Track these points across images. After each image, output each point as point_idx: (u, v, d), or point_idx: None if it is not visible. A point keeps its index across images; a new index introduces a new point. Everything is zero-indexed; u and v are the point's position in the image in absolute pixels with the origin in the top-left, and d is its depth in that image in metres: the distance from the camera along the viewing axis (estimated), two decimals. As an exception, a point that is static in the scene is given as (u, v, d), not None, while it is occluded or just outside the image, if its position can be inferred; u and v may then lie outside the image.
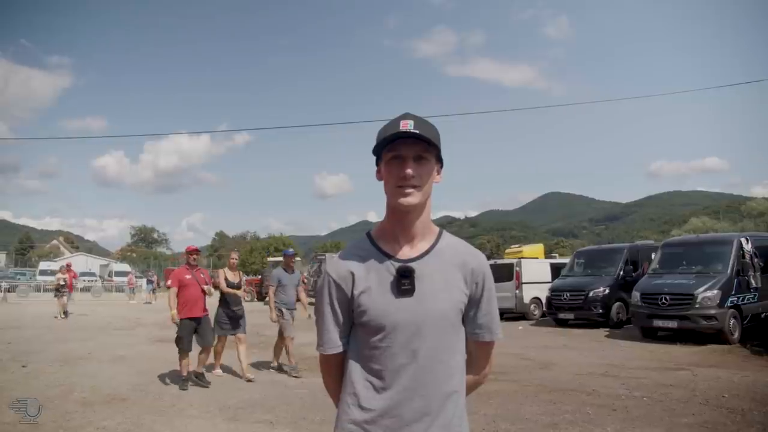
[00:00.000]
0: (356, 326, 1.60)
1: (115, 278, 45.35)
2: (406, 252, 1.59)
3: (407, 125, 1.53)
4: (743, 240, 12.36)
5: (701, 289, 11.37)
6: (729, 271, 11.75)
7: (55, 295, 18.96)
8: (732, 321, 11.31)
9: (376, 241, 1.64)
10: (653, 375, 8.15)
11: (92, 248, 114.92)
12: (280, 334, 8.70)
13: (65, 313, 18.46)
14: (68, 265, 20.12)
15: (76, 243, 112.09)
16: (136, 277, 36.38)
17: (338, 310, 1.61)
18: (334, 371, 1.68)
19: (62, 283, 19.01)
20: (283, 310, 8.56)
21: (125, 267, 49.90)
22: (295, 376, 8.17)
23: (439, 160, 1.62)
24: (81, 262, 62.39)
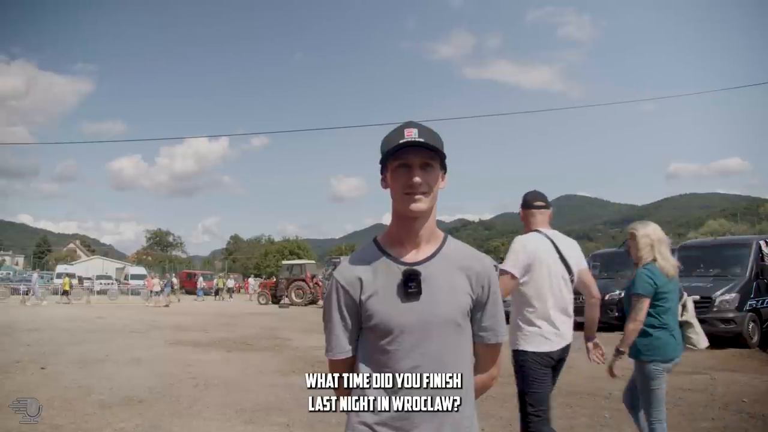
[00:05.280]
0: (365, 330, 1.63)
1: (131, 281, 45.72)
2: (412, 256, 1.63)
3: (412, 133, 1.56)
4: (762, 243, 12.21)
5: (719, 293, 11.22)
6: (747, 274, 11.59)
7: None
8: (751, 325, 11.16)
9: (382, 246, 1.67)
10: (670, 379, 7.98)
11: (108, 252, 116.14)
12: None
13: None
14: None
15: (92, 246, 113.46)
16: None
17: (346, 315, 1.63)
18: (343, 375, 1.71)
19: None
20: None
21: (141, 270, 50.30)
22: None
23: (443, 167, 1.65)
24: (97, 265, 63.11)
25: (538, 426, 3.51)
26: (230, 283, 44.38)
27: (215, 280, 44.03)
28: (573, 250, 3.76)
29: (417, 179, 1.55)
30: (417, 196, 1.55)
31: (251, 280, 48.44)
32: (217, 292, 41.43)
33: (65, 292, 30.92)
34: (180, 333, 14.60)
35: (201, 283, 42.16)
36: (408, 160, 1.57)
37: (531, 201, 3.87)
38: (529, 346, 3.56)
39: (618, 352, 3.96)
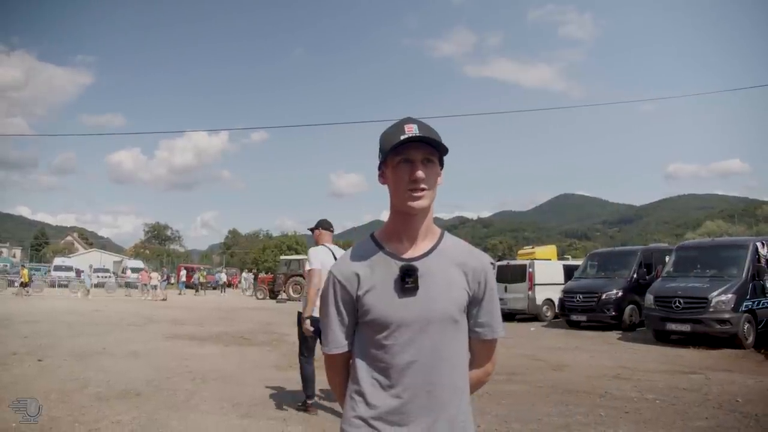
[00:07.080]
0: (361, 325, 1.63)
1: (128, 275, 45.65)
2: (409, 252, 1.63)
3: (412, 129, 1.57)
4: (759, 244, 12.25)
5: (715, 293, 11.26)
6: (744, 275, 11.62)
7: None
8: (746, 325, 11.20)
9: (380, 242, 1.67)
10: (666, 378, 8.10)
11: (106, 245, 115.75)
12: None
13: None
14: None
15: (90, 239, 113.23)
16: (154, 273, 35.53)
17: (343, 311, 1.64)
18: (339, 370, 1.72)
19: None
20: None
21: (138, 264, 50.25)
22: None
23: (441, 163, 1.66)
24: (95, 258, 63.05)
25: (304, 364, 5.93)
26: (222, 277, 44.22)
27: (196, 275, 43.26)
28: None
29: (420, 174, 1.55)
30: (419, 193, 1.56)
31: (244, 274, 47.46)
32: (197, 288, 40.65)
33: (23, 284, 29.47)
34: (177, 327, 14.61)
35: (183, 276, 41.69)
36: (410, 156, 1.57)
37: (327, 226, 5.96)
38: (315, 313, 5.28)
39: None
